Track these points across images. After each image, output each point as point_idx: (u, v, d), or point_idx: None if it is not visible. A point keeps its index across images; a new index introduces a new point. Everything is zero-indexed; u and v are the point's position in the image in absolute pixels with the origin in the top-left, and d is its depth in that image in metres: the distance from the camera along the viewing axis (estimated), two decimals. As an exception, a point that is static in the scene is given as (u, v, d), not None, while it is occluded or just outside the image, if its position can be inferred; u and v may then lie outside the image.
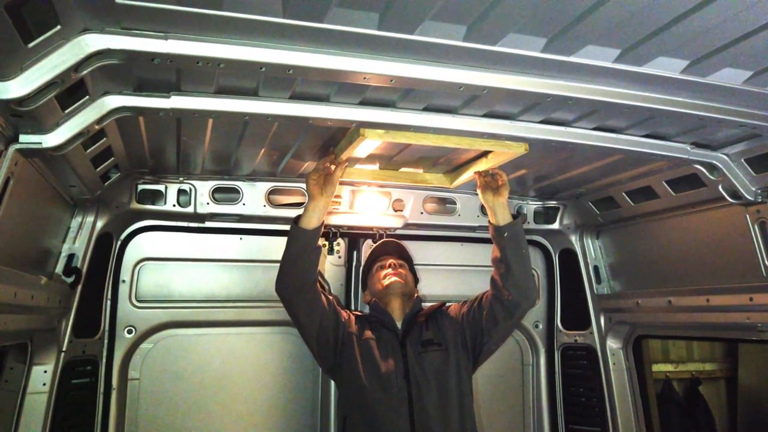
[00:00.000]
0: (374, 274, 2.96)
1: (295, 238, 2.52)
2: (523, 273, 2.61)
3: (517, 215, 2.92)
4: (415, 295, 2.92)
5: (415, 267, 3.11)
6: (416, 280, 3.04)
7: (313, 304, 2.59)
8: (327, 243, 3.40)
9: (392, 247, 3.11)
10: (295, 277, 2.54)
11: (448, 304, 2.92)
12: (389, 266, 2.91)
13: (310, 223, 2.51)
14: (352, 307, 3.48)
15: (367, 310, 2.99)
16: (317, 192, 2.50)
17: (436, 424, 2.51)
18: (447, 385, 2.59)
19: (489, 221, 2.70)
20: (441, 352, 2.66)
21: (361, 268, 3.18)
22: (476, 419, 2.70)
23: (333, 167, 2.49)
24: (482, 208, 3.47)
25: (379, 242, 3.20)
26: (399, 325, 2.77)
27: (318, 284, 2.65)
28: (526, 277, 2.63)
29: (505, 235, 2.61)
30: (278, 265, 2.59)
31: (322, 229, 2.57)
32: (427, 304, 2.98)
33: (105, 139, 2.16)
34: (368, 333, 2.72)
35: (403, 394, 2.55)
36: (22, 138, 1.74)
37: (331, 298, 2.75)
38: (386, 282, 2.84)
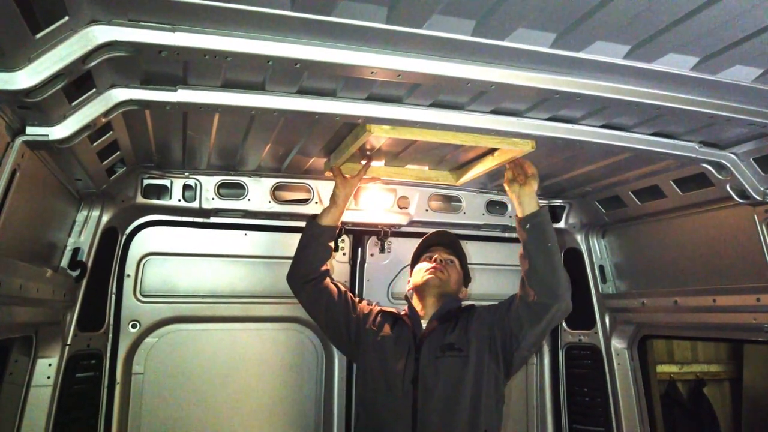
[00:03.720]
0: (420, 263, 2.80)
1: (306, 227, 2.76)
2: (549, 268, 2.35)
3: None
4: (460, 295, 2.76)
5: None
6: (467, 280, 2.88)
7: (316, 296, 2.68)
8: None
9: (446, 238, 2.90)
10: (300, 268, 2.71)
11: (483, 305, 2.71)
12: (435, 260, 2.74)
13: (321, 219, 2.72)
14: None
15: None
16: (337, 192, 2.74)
17: None
18: (458, 395, 2.40)
19: (516, 215, 2.52)
20: (460, 358, 2.45)
21: (412, 255, 2.97)
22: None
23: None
24: (488, 206, 3.47)
25: (433, 231, 2.98)
26: (425, 324, 2.62)
27: (326, 282, 2.69)
28: (552, 273, 2.34)
29: (527, 226, 2.42)
30: (282, 260, 2.80)
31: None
32: (467, 303, 2.80)
33: (111, 132, 2.16)
34: (387, 330, 2.61)
35: (408, 399, 2.42)
36: (29, 130, 1.74)
37: (344, 290, 2.75)
38: (425, 277, 2.68)
